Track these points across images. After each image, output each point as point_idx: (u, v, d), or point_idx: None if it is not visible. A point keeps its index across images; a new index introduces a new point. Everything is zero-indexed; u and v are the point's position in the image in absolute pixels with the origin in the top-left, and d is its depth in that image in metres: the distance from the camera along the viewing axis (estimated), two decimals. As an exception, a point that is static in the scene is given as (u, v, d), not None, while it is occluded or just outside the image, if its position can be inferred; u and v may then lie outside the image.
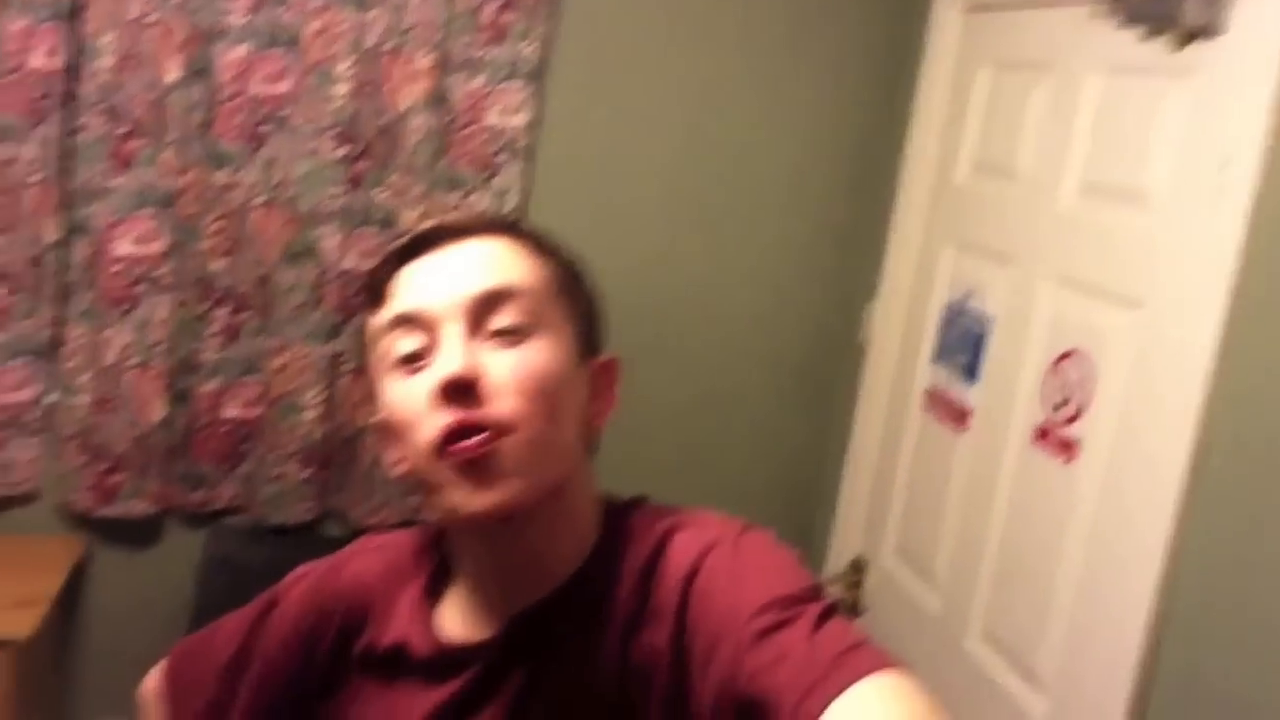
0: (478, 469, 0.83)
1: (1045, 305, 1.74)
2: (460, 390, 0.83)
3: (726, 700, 0.79)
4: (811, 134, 2.49)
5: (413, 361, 0.86)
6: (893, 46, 2.43)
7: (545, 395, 0.85)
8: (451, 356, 0.84)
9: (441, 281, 0.87)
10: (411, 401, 0.85)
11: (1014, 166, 1.86)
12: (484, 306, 0.86)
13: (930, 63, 2.19)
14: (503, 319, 0.86)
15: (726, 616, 0.81)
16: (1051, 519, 1.65)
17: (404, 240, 0.91)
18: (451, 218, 0.93)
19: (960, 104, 2.08)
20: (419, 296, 0.87)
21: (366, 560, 1.01)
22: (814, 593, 0.82)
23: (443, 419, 0.83)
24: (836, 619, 0.80)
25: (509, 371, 0.84)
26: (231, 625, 1.04)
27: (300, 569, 1.04)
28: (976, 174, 2.01)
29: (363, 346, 0.94)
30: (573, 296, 0.92)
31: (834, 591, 2.20)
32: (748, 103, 2.47)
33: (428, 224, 0.92)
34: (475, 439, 0.82)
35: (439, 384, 0.83)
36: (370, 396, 0.94)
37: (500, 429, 0.83)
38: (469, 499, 0.84)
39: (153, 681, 1.09)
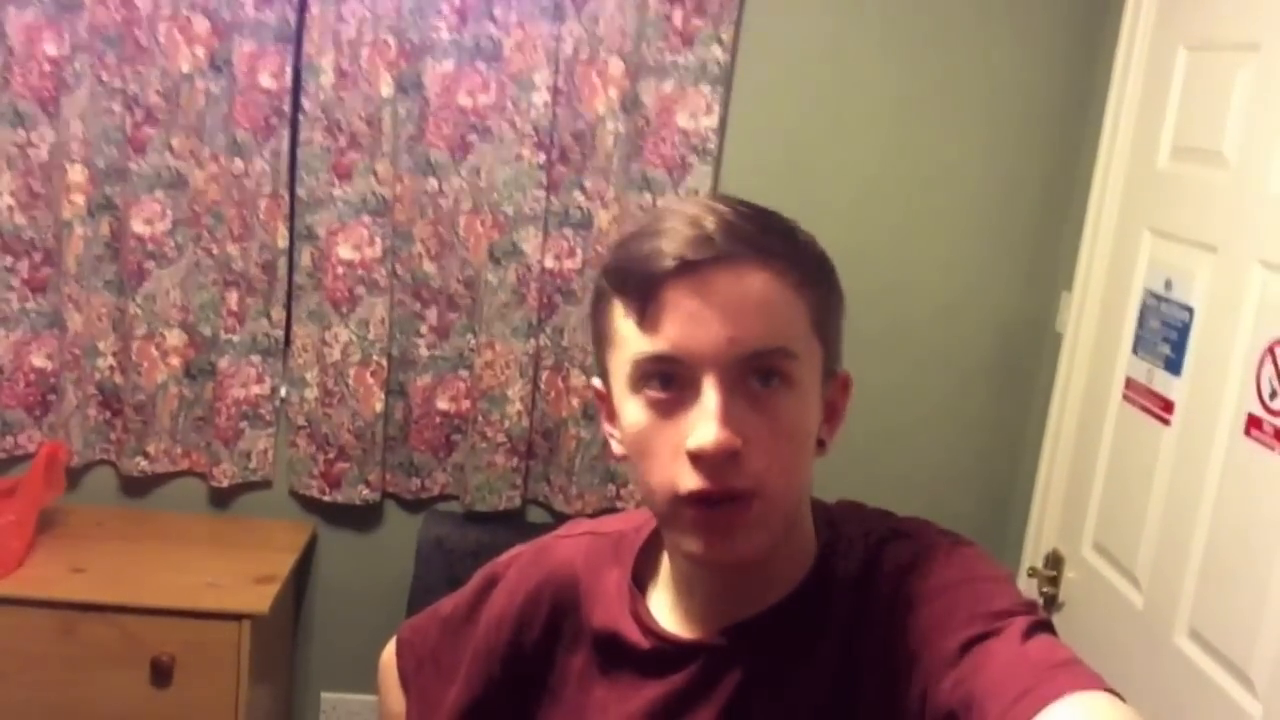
0: (720, 525, 0.81)
1: (1254, 292, 1.68)
2: (716, 459, 0.79)
3: (932, 709, 0.77)
4: (1002, 122, 2.45)
5: (660, 386, 0.81)
6: (1085, 29, 2.37)
7: (794, 451, 0.82)
8: (710, 423, 0.78)
9: (711, 327, 0.79)
10: (656, 441, 0.82)
11: (1220, 151, 1.80)
12: (752, 360, 0.79)
13: (1124, 45, 2.13)
14: (769, 376, 0.80)
15: (933, 627, 0.80)
16: (1266, 513, 1.60)
17: (669, 242, 0.80)
18: (722, 217, 0.81)
19: (1158, 87, 2.01)
20: (684, 340, 0.79)
21: (575, 543, 1.02)
22: (1025, 608, 0.80)
23: (691, 479, 0.79)
24: (1047, 635, 0.77)
25: (766, 433, 0.80)
26: (455, 599, 1.09)
27: (514, 550, 1.06)
28: (1177, 159, 1.95)
29: (596, 326, 0.88)
30: (827, 320, 0.85)
31: (1031, 585, 2.18)
32: (935, 95, 2.44)
33: (695, 225, 0.80)
34: (725, 508, 0.80)
35: (694, 451, 0.78)
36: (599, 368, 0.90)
37: (751, 495, 0.80)
38: (707, 551, 0.82)
39: (386, 653, 1.16)
